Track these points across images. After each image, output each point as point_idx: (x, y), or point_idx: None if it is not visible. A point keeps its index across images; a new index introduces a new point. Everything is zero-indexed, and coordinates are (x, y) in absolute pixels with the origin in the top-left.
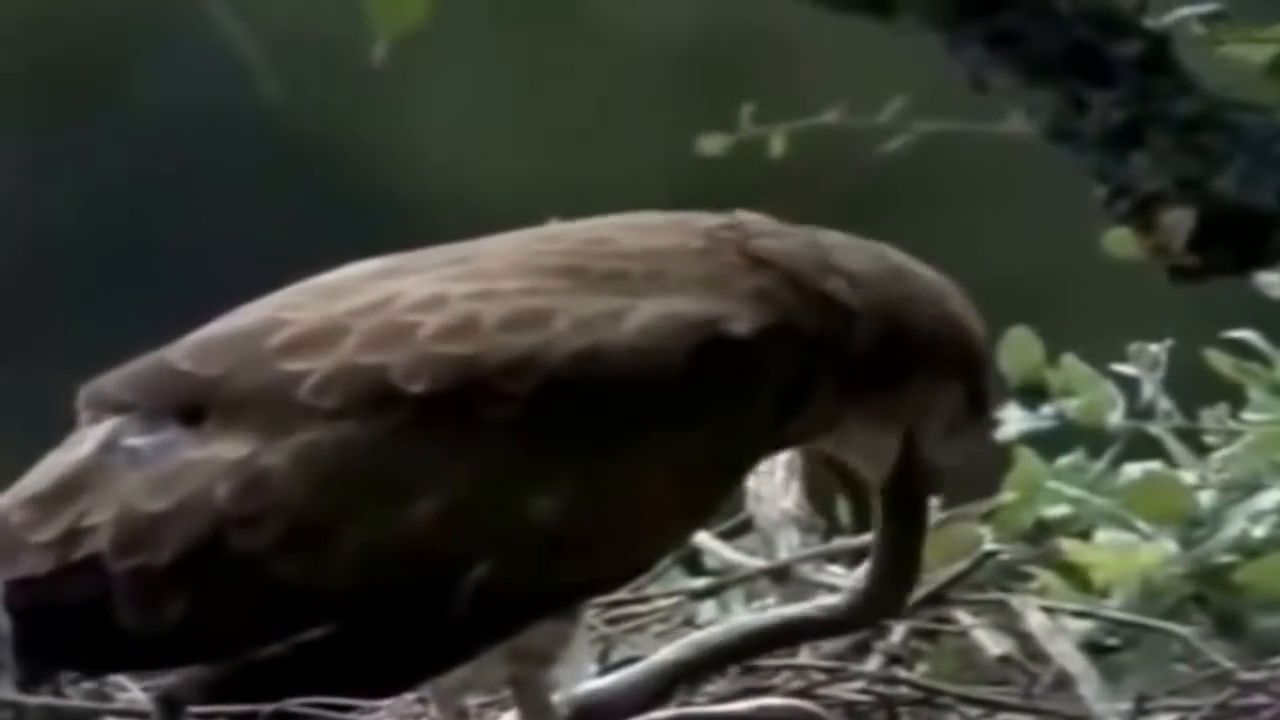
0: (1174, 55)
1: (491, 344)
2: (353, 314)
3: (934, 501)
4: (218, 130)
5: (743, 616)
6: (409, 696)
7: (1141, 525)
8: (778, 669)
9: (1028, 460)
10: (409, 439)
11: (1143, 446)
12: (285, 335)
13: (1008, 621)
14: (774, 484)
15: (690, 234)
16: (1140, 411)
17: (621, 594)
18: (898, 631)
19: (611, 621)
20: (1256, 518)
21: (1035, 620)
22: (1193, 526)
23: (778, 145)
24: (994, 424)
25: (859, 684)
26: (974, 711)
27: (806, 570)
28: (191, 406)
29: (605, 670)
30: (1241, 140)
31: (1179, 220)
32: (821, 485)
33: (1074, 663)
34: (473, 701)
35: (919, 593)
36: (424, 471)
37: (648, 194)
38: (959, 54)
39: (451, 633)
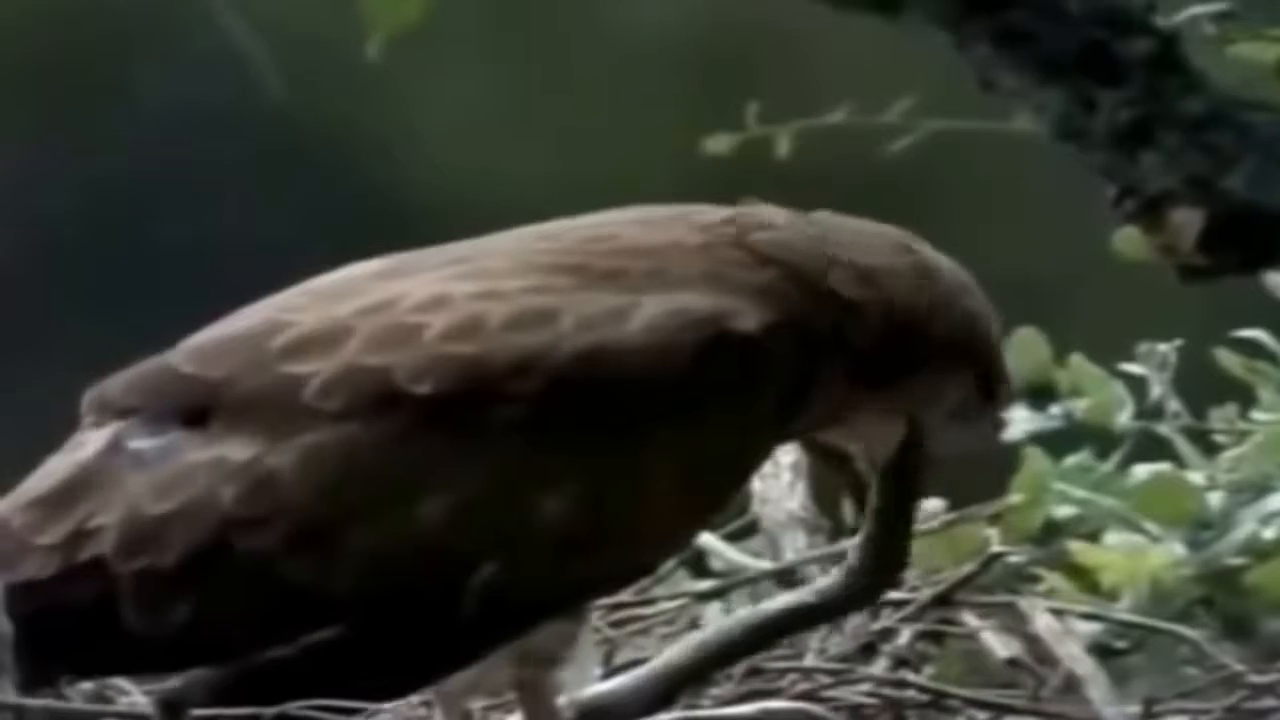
0: (1183, 54)
1: (497, 344)
2: (356, 315)
3: (941, 503)
4: (219, 129)
5: (739, 613)
6: (413, 699)
7: (1150, 527)
8: (783, 672)
9: (1035, 461)
10: (415, 440)
11: (1151, 447)
12: (288, 337)
13: (1015, 624)
14: (780, 486)
15: (690, 228)
16: (1149, 412)
17: (626, 596)
18: (904, 634)
19: (616, 624)
20: (1266, 519)
21: (1043, 622)
22: (1202, 528)
23: (784, 145)
24: (1003, 415)
25: (865, 687)
26: (981, 714)
27: (812, 572)
28: (195, 409)
29: (610, 673)
30: (1251, 139)
31: (1188, 219)
32: (828, 487)
33: (1082, 665)
34: (477, 705)
35: (926, 594)
36: (430, 472)
37: (653, 193)
38: (966, 52)
39: (460, 634)
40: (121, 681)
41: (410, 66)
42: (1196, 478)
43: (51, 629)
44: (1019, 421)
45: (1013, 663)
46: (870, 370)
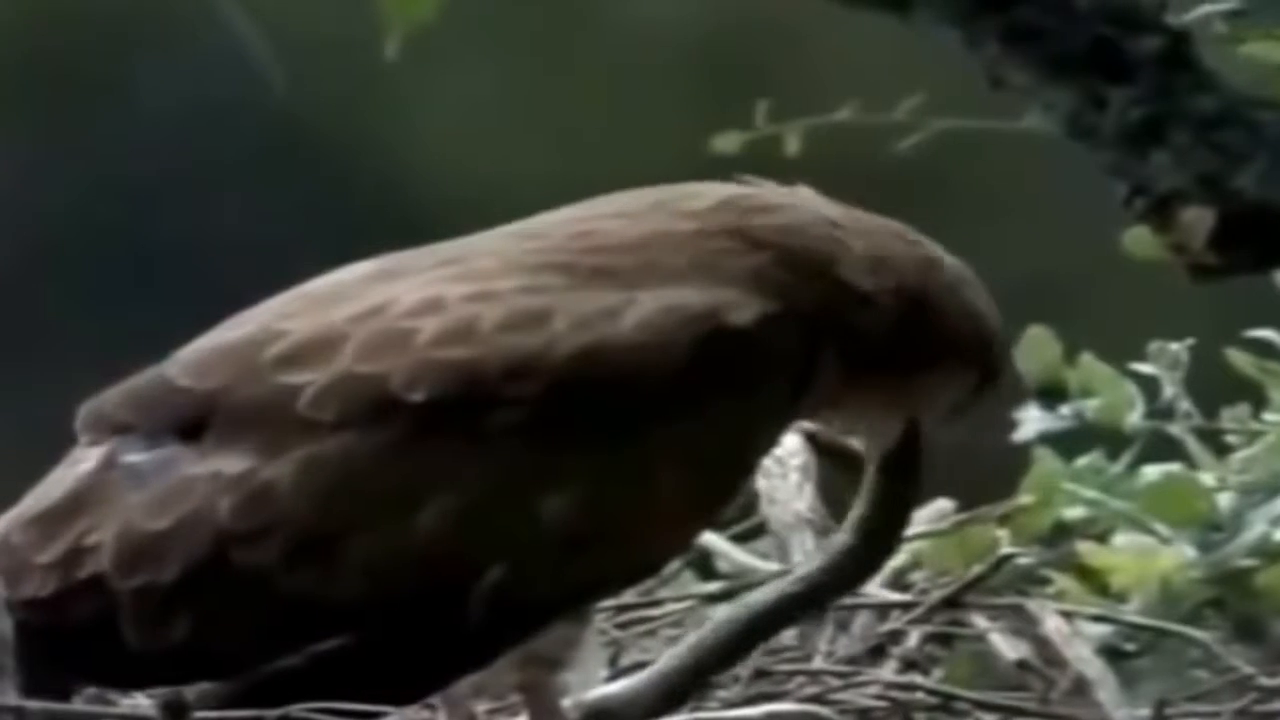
0: (1194, 52)
1: (492, 347)
2: (349, 321)
3: (951, 504)
4: (220, 128)
5: (727, 608)
6: None
7: (1160, 528)
8: (791, 674)
9: (1046, 461)
10: (412, 447)
11: (1162, 447)
12: (281, 346)
13: (1024, 626)
14: (788, 487)
15: (675, 216)
16: (1160, 411)
17: (632, 598)
18: (913, 636)
19: (622, 626)
20: (1277, 521)
21: (1052, 625)
22: (1212, 529)
23: (793, 143)
24: (1004, 408)
25: (874, 689)
26: (990, 717)
27: None
28: (191, 422)
29: (616, 675)
30: (1262, 138)
31: (1199, 218)
32: (836, 488)
33: (1092, 668)
34: (482, 708)
35: (934, 596)
36: (430, 479)
37: None
38: (976, 50)
39: (468, 638)
40: None
41: (412, 66)
42: (1207, 479)
43: (54, 646)
44: (1029, 421)
45: (1022, 665)
46: (876, 359)
